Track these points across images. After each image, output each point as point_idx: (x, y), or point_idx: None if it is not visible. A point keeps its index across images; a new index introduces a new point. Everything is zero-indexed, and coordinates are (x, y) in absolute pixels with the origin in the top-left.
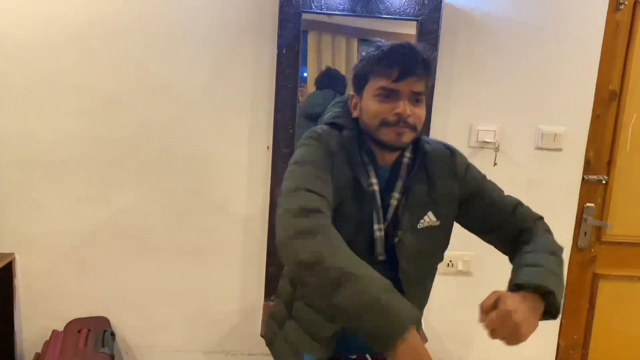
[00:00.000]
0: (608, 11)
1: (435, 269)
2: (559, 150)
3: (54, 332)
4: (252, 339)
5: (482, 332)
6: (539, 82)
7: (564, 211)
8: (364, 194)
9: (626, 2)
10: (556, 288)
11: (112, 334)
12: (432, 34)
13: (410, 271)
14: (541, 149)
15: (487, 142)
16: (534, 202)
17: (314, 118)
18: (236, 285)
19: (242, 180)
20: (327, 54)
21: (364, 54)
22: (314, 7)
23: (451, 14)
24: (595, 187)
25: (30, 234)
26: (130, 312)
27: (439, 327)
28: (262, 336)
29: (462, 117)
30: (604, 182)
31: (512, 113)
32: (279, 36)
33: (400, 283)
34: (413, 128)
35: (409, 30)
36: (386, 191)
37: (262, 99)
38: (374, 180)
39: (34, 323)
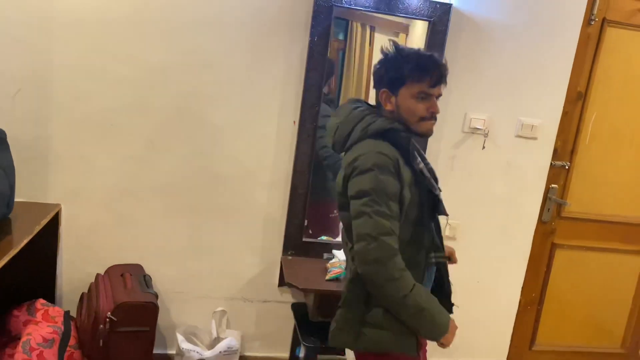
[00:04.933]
0: (582, 25)
1: None
2: (535, 139)
3: (99, 275)
4: (269, 288)
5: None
6: (523, 81)
7: (534, 190)
8: (418, 175)
9: (596, 19)
10: None
11: (150, 278)
12: (441, 33)
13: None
14: (520, 137)
15: (478, 129)
16: (510, 182)
17: None
18: (258, 241)
19: (270, 150)
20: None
21: (389, 54)
22: (344, 2)
23: (458, 17)
24: (560, 171)
25: (76, 188)
26: (162, 262)
27: None
28: (287, 282)
29: (459, 106)
30: (566, 167)
31: (499, 105)
32: (312, 26)
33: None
34: (436, 120)
35: (421, 28)
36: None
37: (293, 80)
38: (418, 159)
39: (75, 268)
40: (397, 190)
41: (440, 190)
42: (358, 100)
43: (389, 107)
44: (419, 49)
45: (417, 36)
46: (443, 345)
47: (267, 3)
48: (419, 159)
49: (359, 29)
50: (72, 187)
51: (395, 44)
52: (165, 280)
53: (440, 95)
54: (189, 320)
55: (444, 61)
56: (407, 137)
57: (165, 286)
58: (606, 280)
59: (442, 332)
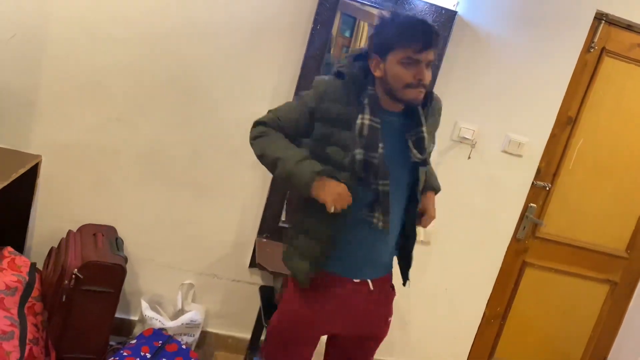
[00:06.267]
0: (581, 51)
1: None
2: (520, 156)
3: (70, 232)
4: (239, 268)
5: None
6: (516, 97)
7: (512, 207)
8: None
9: (596, 47)
10: (437, 186)
11: (122, 242)
12: (442, 40)
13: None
14: (506, 152)
15: (466, 138)
16: (490, 195)
17: None
18: (234, 220)
19: None
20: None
21: (384, 19)
22: None
23: (460, 26)
24: (540, 192)
25: (59, 142)
26: (136, 227)
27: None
28: (258, 264)
29: (450, 114)
30: (547, 188)
31: (490, 118)
32: (317, 13)
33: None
34: (425, 87)
35: None
36: (410, 128)
37: (290, 65)
38: (367, 116)
39: (48, 222)
40: (297, 116)
41: (375, 157)
42: None
43: (378, 73)
44: (411, 15)
45: None
46: (327, 203)
47: None
48: (368, 114)
49: (366, 27)
50: (54, 140)
51: (393, 11)
52: (136, 246)
53: (430, 61)
54: (155, 289)
55: (434, 26)
56: (345, 83)
57: (136, 251)
58: (570, 305)
59: (306, 184)
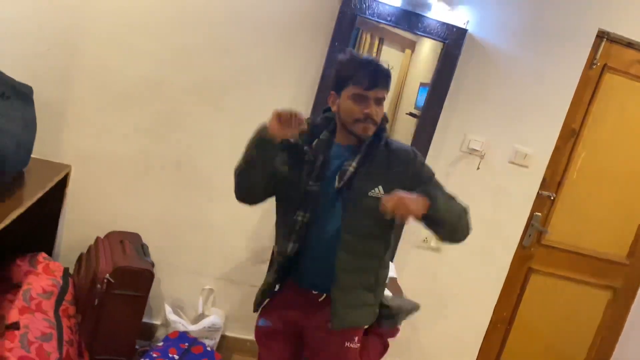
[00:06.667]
0: (584, 68)
1: (377, 250)
2: (526, 167)
3: (99, 239)
4: (256, 274)
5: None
6: (523, 111)
7: (519, 215)
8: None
9: (598, 64)
10: (438, 200)
11: (147, 247)
12: (453, 56)
13: (352, 224)
14: (513, 163)
15: (475, 150)
16: (498, 204)
17: None
18: (253, 227)
19: None
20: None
21: (342, 59)
22: (367, 13)
23: (471, 43)
24: (545, 201)
25: (88, 152)
26: (158, 233)
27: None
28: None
29: (459, 127)
30: (552, 198)
31: (497, 130)
32: (335, 30)
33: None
34: (375, 123)
35: (428, 46)
36: (346, 160)
37: (309, 78)
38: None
39: (76, 229)
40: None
41: (314, 186)
42: None
43: (334, 108)
44: (367, 56)
45: (423, 54)
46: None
47: (296, 4)
48: (308, 154)
49: (369, 39)
50: (84, 150)
51: (350, 50)
52: (159, 252)
53: (380, 99)
54: (177, 294)
55: (384, 66)
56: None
57: (158, 257)
58: (574, 310)
59: (257, 131)
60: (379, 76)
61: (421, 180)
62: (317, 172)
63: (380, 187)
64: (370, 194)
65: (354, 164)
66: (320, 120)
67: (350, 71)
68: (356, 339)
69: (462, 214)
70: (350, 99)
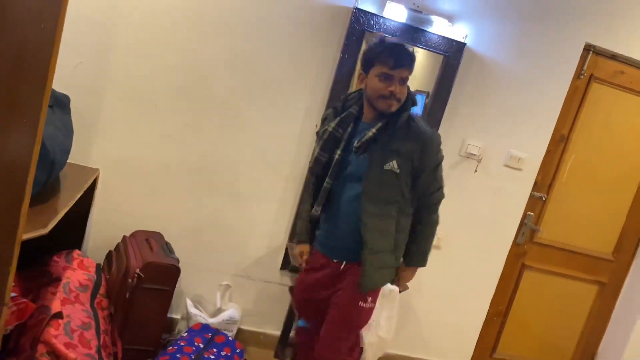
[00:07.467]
0: (573, 78)
1: (394, 210)
2: (520, 170)
3: (125, 237)
4: (271, 270)
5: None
6: (517, 118)
7: (513, 215)
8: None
9: (585, 74)
10: (421, 262)
11: (171, 245)
12: (453, 67)
13: (372, 189)
14: (508, 166)
15: (473, 154)
16: (494, 204)
17: None
18: (268, 226)
19: (291, 147)
20: None
21: (372, 43)
22: (375, 28)
23: (469, 56)
24: (537, 201)
25: (115, 157)
26: (180, 233)
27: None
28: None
29: (459, 132)
30: (543, 198)
31: (494, 136)
32: (345, 44)
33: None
34: (399, 100)
35: (424, 58)
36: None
37: (320, 88)
38: (332, 124)
39: (103, 228)
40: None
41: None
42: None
43: (361, 85)
44: (394, 40)
45: (418, 63)
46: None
47: (309, 19)
48: (333, 124)
49: None
50: (112, 155)
51: (380, 35)
52: (179, 250)
53: (404, 78)
54: (196, 290)
55: (408, 47)
56: (339, 105)
57: (179, 255)
58: (564, 304)
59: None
60: (403, 57)
61: (427, 165)
62: (343, 144)
63: (394, 162)
64: (385, 167)
65: (374, 129)
66: (352, 95)
67: (378, 52)
68: (369, 299)
69: (435, 227)
70: (377, 77)
